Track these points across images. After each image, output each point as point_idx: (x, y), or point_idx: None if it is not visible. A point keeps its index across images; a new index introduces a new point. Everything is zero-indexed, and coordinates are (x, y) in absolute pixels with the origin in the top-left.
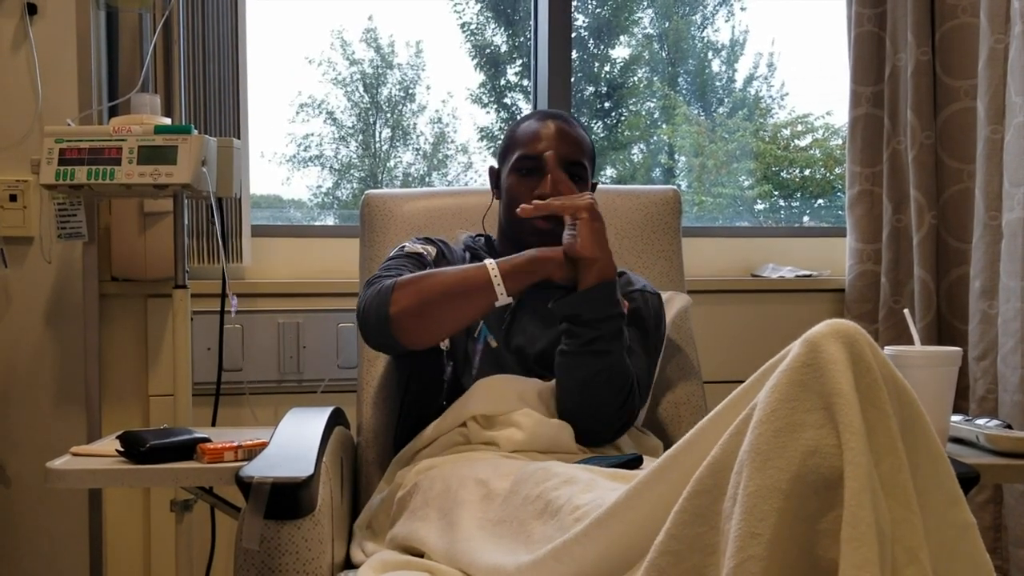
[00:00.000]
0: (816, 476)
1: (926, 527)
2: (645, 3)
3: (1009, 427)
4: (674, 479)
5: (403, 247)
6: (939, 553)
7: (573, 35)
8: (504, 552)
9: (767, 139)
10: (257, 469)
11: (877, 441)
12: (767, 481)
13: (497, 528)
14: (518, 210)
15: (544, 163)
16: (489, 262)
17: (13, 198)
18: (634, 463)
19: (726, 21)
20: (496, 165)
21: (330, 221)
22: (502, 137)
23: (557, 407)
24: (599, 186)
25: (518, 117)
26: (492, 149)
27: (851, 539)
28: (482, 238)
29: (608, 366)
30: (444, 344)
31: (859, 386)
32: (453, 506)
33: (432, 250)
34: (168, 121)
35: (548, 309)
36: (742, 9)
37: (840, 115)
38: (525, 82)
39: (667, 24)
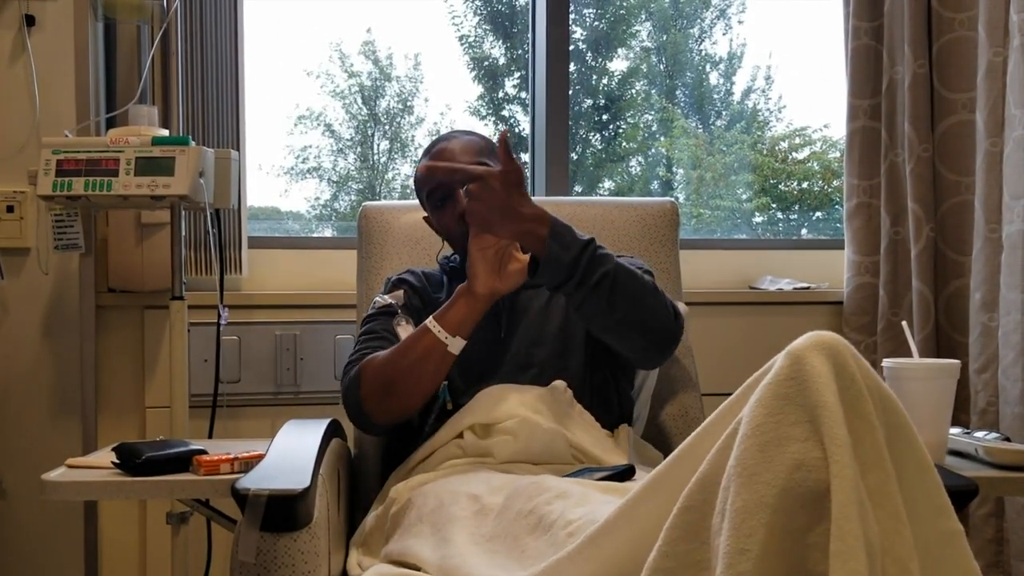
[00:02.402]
0: (803, 490)
1: (914, 537)
2: (643, 16)
3: (1008, 440)
4: (664, 495)
5: (375, 302)
6: (927, 562)
7: (571, 48)
8: (498, 568)
9: (765, 152)
10: (253, 481)
11: (863, 452)
12: (754, 496)
13: (490, 544)
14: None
15: (448, 187)
16: (429, 322)
17: (10, 209)
18: (626, 474)
19: (724, 34)
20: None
21: (328, 233)
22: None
23: (614, 348)
24: (598, 199)
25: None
26: None
27: (839, 552)
28: (457, 255)
29: (613, 284)
30: None
31: (843, 398)
32: (446, 522)
33: (400, 295)
34: (166, 132)
35: (539, 307)
36: (740, 22)
37: (838, 128)
38: (523, 95)
39: (665, 37)
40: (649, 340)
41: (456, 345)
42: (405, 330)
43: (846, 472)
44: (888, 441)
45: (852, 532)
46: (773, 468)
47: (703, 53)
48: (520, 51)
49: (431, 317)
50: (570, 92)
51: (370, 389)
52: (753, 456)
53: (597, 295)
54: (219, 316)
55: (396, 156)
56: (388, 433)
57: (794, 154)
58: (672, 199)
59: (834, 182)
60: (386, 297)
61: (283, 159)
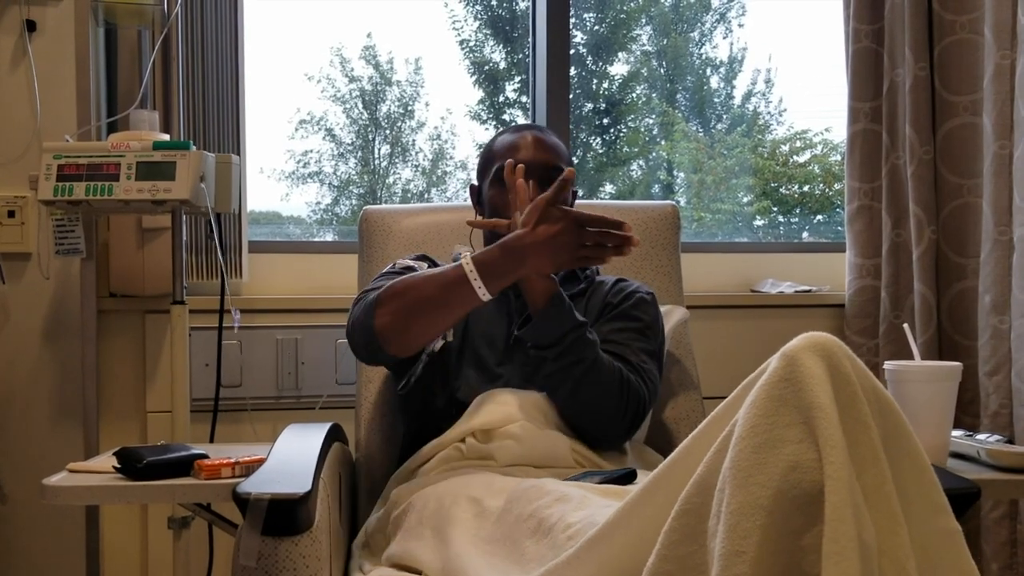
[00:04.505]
0: (798, 491)
1: (911, 537)
2: (643, 20)
3: (1010, 442)
4: (662, 498)
5: (395, 263)
6: (925, 562)
7: (571, 52)
8: (497, 571)
9: (766, 155)
10: (255, 485)
11: (858, 453)
12: (749, 498)
13: (490, 547)
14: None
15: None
16: (465, 260)
17: (11, 214)
18: (627, 478)
19: (724, 38)
20: (476, 183)
21: (329, 237)
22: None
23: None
24: (600, 202)
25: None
26: None
27: (832, 554)
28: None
29: (585, 372)
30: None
31: (838, 399)
32: (446, 524)
33: (424, 265)
34: (167, 137)
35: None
36: (740, 26)
37: (839, 131)
38: (524, 99)
39: (665, 41)
40: (598, 431)
41: (485, 298)
42: None
43: (840, 473)
44: (884, 441)
45: (845, 533)
46: (768, 470)
47: (703, 57)
48: (521, 55)
49: (470, 257)
50: (571, 96)
51: (390, 310)
52: (748, 458)
53: (567, 376)
54: (231, 318)
55: (397, 160)
56: (389, 364)
57: (795, 157)
58: (673, 202)
59: (835, 185)
60: (409, 260)
61: (284, 163)
